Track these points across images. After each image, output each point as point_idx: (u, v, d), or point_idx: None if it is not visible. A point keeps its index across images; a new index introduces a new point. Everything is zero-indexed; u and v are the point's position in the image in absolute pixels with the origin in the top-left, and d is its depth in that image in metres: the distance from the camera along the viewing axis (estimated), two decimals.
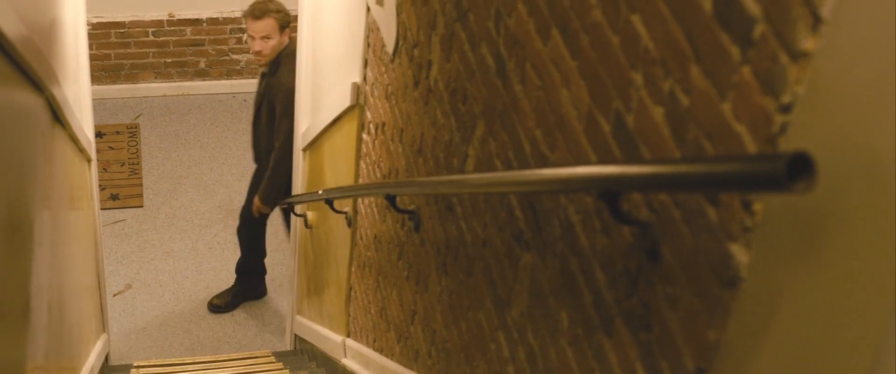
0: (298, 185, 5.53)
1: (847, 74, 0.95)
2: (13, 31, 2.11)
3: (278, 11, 4.81)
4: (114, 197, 6.59)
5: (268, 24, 4.77)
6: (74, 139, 3.85)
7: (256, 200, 5.23)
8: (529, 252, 1.85)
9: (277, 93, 4.90)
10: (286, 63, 4.90)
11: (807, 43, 1.00)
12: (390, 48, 3.02)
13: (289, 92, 4.90)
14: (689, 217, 1.25)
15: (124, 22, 7.01)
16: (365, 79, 3.55)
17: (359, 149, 3.72)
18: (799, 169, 0.90)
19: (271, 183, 5.13)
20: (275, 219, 5.86)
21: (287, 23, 4.85)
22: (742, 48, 1.10)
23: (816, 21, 0.98)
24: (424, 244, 2.71)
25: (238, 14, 7.09)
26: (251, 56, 4.99)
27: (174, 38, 7.15)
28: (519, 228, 1.90)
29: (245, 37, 5.03)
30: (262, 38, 4.79)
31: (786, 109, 1.03)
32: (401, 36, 2.89)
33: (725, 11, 1.13)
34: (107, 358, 5.08)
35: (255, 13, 4.79)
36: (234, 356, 5.39)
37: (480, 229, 2.16)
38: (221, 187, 6.71)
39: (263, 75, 5.03)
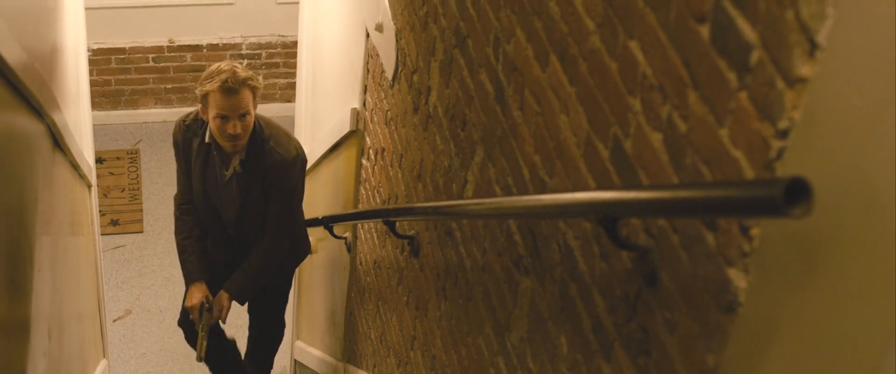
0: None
1: (843, 99, 0.95)
2: (14, 57, 2.12)
3: (253, 78, 3.35)
4: (114, 222, 6.59)
5: (246, 98, 3.29)
6: (75, 165, 3.85)
7: (225, 296, 3.66)
8: (528, 277, 1.85)
9: (277, 173, 3.48)
10: (271, 136, 3.46)
11: (803, 69, 1.00)
12: (390, 74, 3.03)
13: (291, 169, 3.51)
14: (688, 242, 1.25)
15: (125, 48, 7.03)
16: (364, 104, 3.56)
17: (358, 174, 3.73)
18: (796, 194, 0.90)
19: (259, 274, 3.70)
20: None
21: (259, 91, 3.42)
22: (739, 74, 1.11)
23: (813, 47, 0.98)
24: (424, 269, 2.70)
25: (239, 40, 7.12)
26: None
27: (174, 64, 7.17)
28: (518, 253, 1.90)
29: (210, 118, 3.39)
30: (241, 115, 3.30)
31: (783, 134, 1.04)
32: (400, 62, 2.90)
33: (722, 38, 1.14)
34: None
35: (227, 85, 3.24)
36: None
37: (480, 254, 2.16)
38: None
39: (241, 162, 3.48)
